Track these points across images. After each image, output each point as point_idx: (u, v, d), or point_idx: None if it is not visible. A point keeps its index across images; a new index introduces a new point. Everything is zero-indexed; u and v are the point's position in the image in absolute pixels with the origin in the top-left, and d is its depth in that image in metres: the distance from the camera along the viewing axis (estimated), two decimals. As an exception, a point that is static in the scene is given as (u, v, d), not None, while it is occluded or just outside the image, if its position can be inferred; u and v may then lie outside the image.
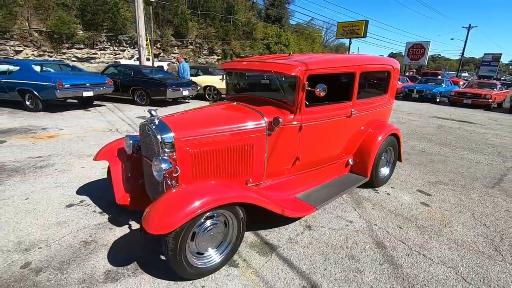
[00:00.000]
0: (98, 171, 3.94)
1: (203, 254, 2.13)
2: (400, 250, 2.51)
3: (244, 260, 2.31)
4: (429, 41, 25.94)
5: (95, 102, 9.36)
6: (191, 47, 30.78)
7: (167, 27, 28.30)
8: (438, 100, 14.47)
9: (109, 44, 24.18)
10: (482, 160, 5.23)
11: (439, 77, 22.59)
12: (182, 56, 21.79)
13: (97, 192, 3.34)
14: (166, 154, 2.22)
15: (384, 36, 75.39)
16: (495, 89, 13.44)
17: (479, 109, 12.84)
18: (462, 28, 38.23)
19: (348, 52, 26.57)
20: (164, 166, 2.07)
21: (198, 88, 10.49)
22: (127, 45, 25.62)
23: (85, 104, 8.97)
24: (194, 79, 11.00)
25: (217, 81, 10.95)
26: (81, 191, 3.36)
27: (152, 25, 21.36)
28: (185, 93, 9.72)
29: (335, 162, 3.39)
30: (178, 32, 28.63)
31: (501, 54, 46.56)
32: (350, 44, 25.26)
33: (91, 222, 2.74)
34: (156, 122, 2.31)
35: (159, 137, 2.21)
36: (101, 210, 2.95)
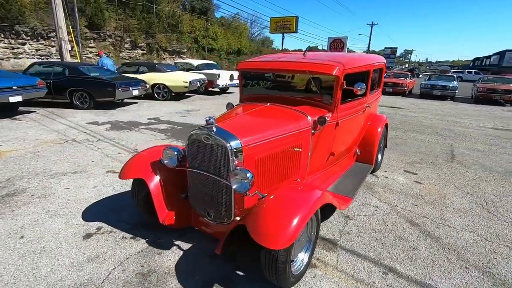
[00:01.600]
0: (89, 190, 3.36)
1: (294, 260, 2.10)
2: (429, 224, 2.91)
3: (317, 259, 2.35)
4: (347, 36, 29.12)
5: (21, 108, 7.72)
6: (110, 40, 27.67)
7: (79, 17, 24.77)
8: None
9: (2, 36, 19.86)
10: (430, 140, 6.29)
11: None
12: (103, 51, 19.43)
13: (109, 215, 2.87)
14: (235, 163, 2.09)
15: (305, 30, 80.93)
16: (407, 78, 16.05)
17: (397, 96, 15.16)
18: (367, 25, 43.98)
19: (282, 48, 27.83)
20: (249, 175, 1.94)
21: (147, 86, 9.63)
22: (28, 38, 21.49)
23: (6, 111, 7.30)
24: (140, 77, 10.02)
25: (167, 79, 10.22)
26: (88, 216, 2.84)
27: (62, 14, 18.41)
28: (135, 93, 8.82)
29: (349, 154, 3.65)
30: (92, 23, 25.33)
31: (397, 47, 55.63)
32: (283, 39, 26.51)
33: (130, 250, 2.37)
34: (214, 129, 2.13)
35: (228, 145, 2.06)
36: (131, 235, 2.57)
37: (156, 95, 10.46)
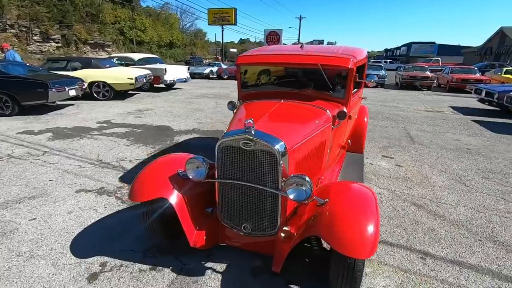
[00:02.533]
0: (65, 218, 2.72)
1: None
2: (430, 204, 3.16)
3: (358, 255, 2.32)
4: (281, 29, 30.12)
5: None
6: (13, 31, 23.23)
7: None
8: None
9: None
10: (386, 125, 6.91)
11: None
12: (8, 43, 16.07)
13: (108, 245, 2.36)
14: (280, 167, 1.89)
15: (240, 22, 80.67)
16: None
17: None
18: (295, 18, 46.17)
19: (222, 40, 27.20)
20: (309, 181, 1.78)
21: (85, 85, 8.33)
22: None
23: None
24: (72, 74, 8.59)
25: (108, 76, 9.01)
26: (80, 252, 2.28)
27: None
28: (72, 93, 7.55)
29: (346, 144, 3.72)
30: (-16, 10, 20.87)
31: (323, 40, 59.79)
32: (222, 31, 25.88)
33: (157, 285, 1.98)
34: (253, 132, 1.89)
35: (276, 149, 1.85)
36: (149, 265, 2.15)
37: (95, 95, 9.15)
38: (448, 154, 4.86)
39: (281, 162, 1.88)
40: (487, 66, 18.92)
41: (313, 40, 59.09)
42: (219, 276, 2.07)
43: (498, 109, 9.24)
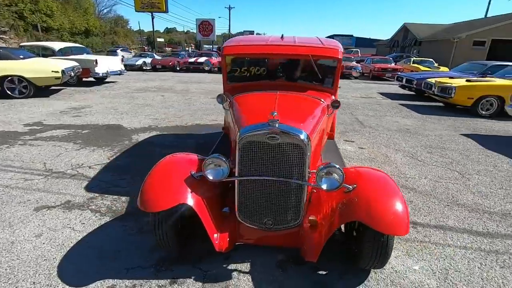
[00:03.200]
0: (36, 244, 2.24)
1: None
2: (400, 180, 3.58)
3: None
4: (214, 19, 29.35)
5: None
6: None
7: None
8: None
9: None
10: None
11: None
12: None
13: (108, 265, 2.04)
14: (308, 159, 1.91)
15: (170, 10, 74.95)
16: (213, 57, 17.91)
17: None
18: (225, 8, 45.67)
19: (153, 28, 25.11)
20: (339, 167, 1.83)
21: (-5, 80, 6.81)
22: None
23: None
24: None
25: (26, 69, 7.51)
26: (77, 280, 1.91)
27: None
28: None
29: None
30: None
31: (253, 31, 60.62)
32: (153, 18, 23.86)
33: (187, 299, 1.80)
34: (276, 125, 1.85)
35: (303, 138, 1.84)
36: (167, 280, 1.94)
37: (8, 92, 7.57)
38: (395, 135, 5.54)
39: (308, 153, 1.88)
40: (396, 57, 21.91)
41: (244, 31, 59.46)
42: (248, 277, 1.99)
43: (414, 93, 10.87)
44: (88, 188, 3.13)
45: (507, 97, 7.10)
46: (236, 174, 1.97)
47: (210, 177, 1.92)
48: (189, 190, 1.90)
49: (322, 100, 2.66)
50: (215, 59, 19.26)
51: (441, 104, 8.91)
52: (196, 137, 5.00)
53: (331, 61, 2.83)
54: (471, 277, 2.06)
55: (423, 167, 3.99)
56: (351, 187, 1.91)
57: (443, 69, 16.15)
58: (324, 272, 2.05)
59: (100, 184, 3.22)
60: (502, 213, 2.91)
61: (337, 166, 1.83)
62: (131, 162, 3.85)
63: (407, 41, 28.72)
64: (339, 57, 2.75)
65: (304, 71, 3.05)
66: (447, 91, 7.73)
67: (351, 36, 47.48)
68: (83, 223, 2.52)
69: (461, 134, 5.73)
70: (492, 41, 20.18)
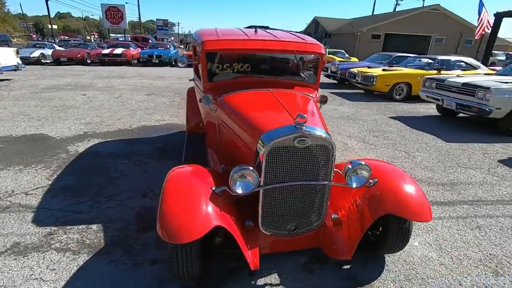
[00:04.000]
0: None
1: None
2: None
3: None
4: (124, 4, 26.27)
5: None
6: None
7: None
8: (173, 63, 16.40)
9: None
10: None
11: (150, 41, 24.52)
12: None
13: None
14: (334, 159, 1.90)
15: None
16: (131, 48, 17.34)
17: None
18: (135, -6, 41.58)
19: (49, 13, 20.86)
20: (367, 164, 1.86)
21: None
22: None
23: None
24: None
25: None
26: None
27: None
28: None
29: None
30: None
31: (167, 19, 56.62)
32: (47, 1, 19.75)
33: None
34: (304, 128, 1.78)
35: (331, 141, 1.82)
36: (198, 316, 1.68)
37: None
38: (341, 122, 6.03)
39: (334, 153, 1.86)
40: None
41: (157, 19, 54.99)
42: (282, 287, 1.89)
43: (337, 82, 12.04)
44: (37, 222, 2.45)
45: (414, 83, 8.51)
46: (262, 183, 1.81)
47: (240, 191, 1.71)
48: (217, 209, 1.66)
49: (311, 95, 2.67)
50: (133, 50, 17.46)
51: (362, 91, 10.09)
52: (150, 141, 4.44)
53: (315, 56, 2.84)
54: (456, 242, 2.42)
55: (376, 150, 4.47)
56: (372, 181, 1.97)
57: (354, 59, 18.31)
58: (347, 266, 2.10)
59: (53, 213, 2.56)
60: (450, 183, 3.49)
61: (364, 163, 1.86)
62: (83, 180, 3.17)
63: (318, 33, 31.40)
64: (323, 52, 2.79)
65: (286, 67, 2.98)
66: (369, 80, 8.78)
67: (268, 27, 49.08)
68: (53, 269, 1.97)
69: (389, 117, 6.62)
70: (385, 35, 23.79)
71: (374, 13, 34.03)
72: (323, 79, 12.83)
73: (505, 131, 5.41)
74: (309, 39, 2.94)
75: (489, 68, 9.93)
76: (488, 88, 5.15)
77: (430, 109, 7.60)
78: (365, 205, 1.93)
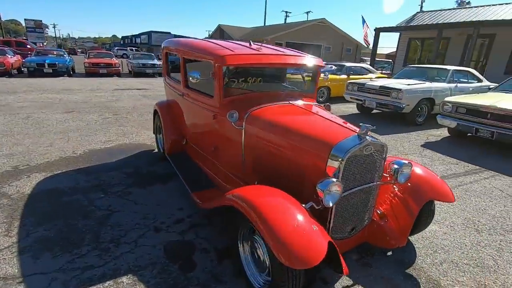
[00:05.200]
0: None
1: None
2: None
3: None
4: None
5: None
6: None
7: None
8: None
9: None
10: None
11: (28, 46, 20.43)
12: None
13: None
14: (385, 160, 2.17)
15: None
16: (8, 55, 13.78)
17: (112, 77, 14.64)
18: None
19: None
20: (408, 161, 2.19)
21: None
22: None
23: None
24: None
25: None
26: None
27: None
28: None
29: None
30: None
31: (41, 20, 47.46)
32: None
33: None
34: (367, 137, 1.99)
35: (385, 144, 2.08)
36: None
37: None
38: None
39: (385, 155, 2.12)
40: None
41: (26, 20, 45.36)
42: (360, 286, 2.03)
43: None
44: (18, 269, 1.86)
45: (331, 86, 9.85)
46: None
47: (330, 204, 1.76)
48: (319, 226, 1.67)
49: (320, 105, 2.88)
50: (11, 58, 14.09)
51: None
52: (113, 168, 3.81)
53: (314, 69, 3.06)
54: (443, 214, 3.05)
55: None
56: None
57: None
58: (390, 253, 2.40)
59: (54, 277, 1.97)
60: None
61: (407, 162, 2.17)
62: (62, 227, 2.52)
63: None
64: (323, 65, 3.04)
65: (292, 80, 3.11)
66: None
67: (169, 33, 47.38)
68: None
69: (325, 118, 7.49)
70: (286, 44, 26.44)
71: (269, 24, 37.25)
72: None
73: (412, 122, 6.92)
74: (307, 54, 3.16)
75: (380, 73, 12.40)
76: (400, 89, 6.50)
77: (350, 108, 8.97)
78: (408, 196, 2.26)
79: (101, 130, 5.47)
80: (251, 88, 2.89)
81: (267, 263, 1.76)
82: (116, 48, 43.14)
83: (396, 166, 2.15)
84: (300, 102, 2.70)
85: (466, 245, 2.56)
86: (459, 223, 2.90)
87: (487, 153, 5.09)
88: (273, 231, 1.54)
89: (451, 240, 2.62)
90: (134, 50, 40.04)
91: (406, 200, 2.26)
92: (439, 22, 12.70)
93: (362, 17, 14.08)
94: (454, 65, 8.84)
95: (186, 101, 3.24)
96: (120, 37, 74.56)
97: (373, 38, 13.60)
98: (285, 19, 48.01)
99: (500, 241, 2.64)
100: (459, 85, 7.38)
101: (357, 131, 1.94)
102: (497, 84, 6.81)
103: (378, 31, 13.60)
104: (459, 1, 52.04)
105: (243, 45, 2.91)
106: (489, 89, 7.27)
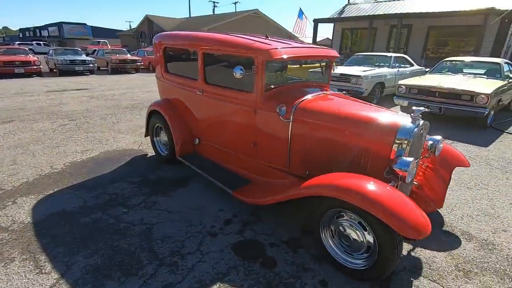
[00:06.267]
0: None
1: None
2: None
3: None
4: None
5: None
6: None
7: None
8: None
9: None
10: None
11: None
12: None
13: None
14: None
15: None
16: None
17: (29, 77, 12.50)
18: None
19: None
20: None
21: None
22: None
23: None
24: None
25: None
26: None
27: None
28: None
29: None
30: None
31: None
32: None
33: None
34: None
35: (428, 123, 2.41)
36: None
37: None
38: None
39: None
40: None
41: None
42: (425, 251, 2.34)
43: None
44: (134, 324, 1.66)
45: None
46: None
47: (410, 180, 2.00)
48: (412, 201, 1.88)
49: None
50: None
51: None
52: (114, 178, 3.40)
53: (329, 61, 3.23)
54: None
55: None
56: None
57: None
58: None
59: (140, 303, 1.77)
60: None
61: (439, 137, 2.52)
62: (104, 251, 2.21)
63: (154, 32, 30.18)
64: (338, 55, 3.23)
65: (304, 70, 3.24)
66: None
67: (85, 24, 41.77)
68: None
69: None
70: (223, 34, 26.18)
71: (196, 15, 36.13)
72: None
73: (368, 104, 7.76)
74: (320, 46, 3.31)
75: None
76: (359, 76, 7.20)
77: (308, 96, 9.52)
78: (438, 167, 2.65)
79: (66, 139, 4.74)
80: (280, 81, 2.93)
81: (369, 241, 1.90)
82: (18, 43, 36.29)
83: (431, 142, 2.49)
84: (330, 92, 2.86)
85: (468, 201, 3.13)
86: (452, 185, 3.49)
87: (437, 126, 6.09)
88: (384, 207, 1.69)
89: (456, 199, 3.16)
90: (42, 45, 34.46)
91: (438, 169, 2.65)
92: (368, 14, 14.28)
93: (300, 8, 14.87)
94: (382, 52, 10.11)
95: (205, 98, 3.09)
96: (17, 29, 62.85)
97: (312, 28, 14.56)
98: (213, 9, 47.18)
99: (487, 193, 3.30)
100: (400, 69, 8.53)
101: (411, 115, 2.18)
102: (424, 68, 8.10)
103: (316, 22, 14.58)
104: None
105: (267, 39, 2.91)
106: (426, 72, 8.59)
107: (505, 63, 6.75)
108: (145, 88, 10.41)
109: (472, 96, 5.47)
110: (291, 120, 2.50)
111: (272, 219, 2.68)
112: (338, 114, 2.37)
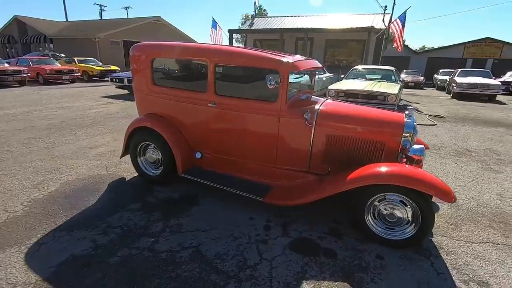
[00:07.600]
0: None
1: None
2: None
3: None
4: None
5: None
6: None
7: None
8: None
9: None
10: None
11: None
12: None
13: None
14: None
15: None
16: None
17: None
18: None
19: None
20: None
21: None
22: None
23: None
24: None
25: None
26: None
27: None
28: None
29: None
30: None
31: None
32: None
33: (452, 243, 2.56)
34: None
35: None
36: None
37: None
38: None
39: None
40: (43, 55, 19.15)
41: None
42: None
43: (127, 92, 11.50)
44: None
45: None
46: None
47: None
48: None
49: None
50: None
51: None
52: (110, 208, 2.94)
53: (318, 70, 3.66)
54: (390, 164, 4.55)
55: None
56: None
57: (113, 67, 17.35)
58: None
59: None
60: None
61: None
62: (170, 286, 2.00)
63: (29, 37, 25.07)
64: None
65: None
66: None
67: None
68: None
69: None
70: (123, 42, 23.94)
71: (79, 19, 31.99)
72: (116, 91, 11.62)
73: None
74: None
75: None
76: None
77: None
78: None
79: (5, 175, 3.69)
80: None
81: (409, 214, 2.38)
82: None
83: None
84: (328, 98, 3.30)
85: (450, 172, 4.09)
86: (428, 160, 4.45)
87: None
88: (425, 183, 2.20)
89: (439, 172, 4.08)
90: None
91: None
92: (275, 28, 15.85)
93: (213, 18, 15.20)
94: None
95: (217, 110, 3.05)
96: None
97: (227, 38, 15.12)
98: (100, 13, 42.32)
99: (458, 162, 4.37)
100: (317, 76, 9.89)
101: (406, 112, 2.81)
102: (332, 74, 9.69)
103: (231, 32, 15.21)
104: (257, 9, 64.19)
105: (273, 52, 3.13)
106: (341, 78, 10.22)
107: (395, 69, 8.80)
108: (52, 104, 8.74)
109: (385, 96, 6.95)
110: (314, 124, 2.81)
111: (302, 217, 2.90)
112: (357, 116, 2.81)
